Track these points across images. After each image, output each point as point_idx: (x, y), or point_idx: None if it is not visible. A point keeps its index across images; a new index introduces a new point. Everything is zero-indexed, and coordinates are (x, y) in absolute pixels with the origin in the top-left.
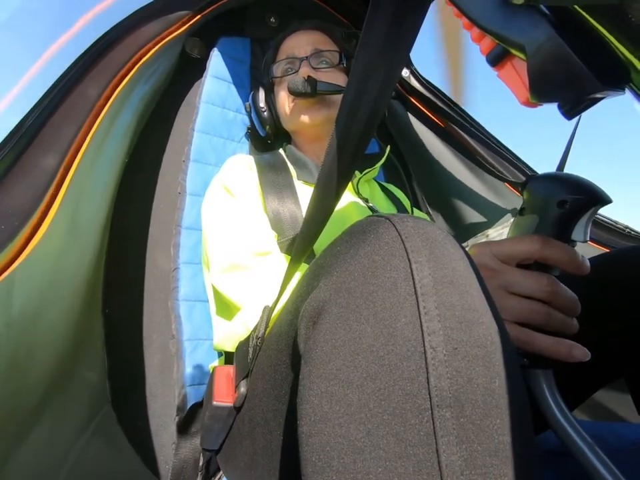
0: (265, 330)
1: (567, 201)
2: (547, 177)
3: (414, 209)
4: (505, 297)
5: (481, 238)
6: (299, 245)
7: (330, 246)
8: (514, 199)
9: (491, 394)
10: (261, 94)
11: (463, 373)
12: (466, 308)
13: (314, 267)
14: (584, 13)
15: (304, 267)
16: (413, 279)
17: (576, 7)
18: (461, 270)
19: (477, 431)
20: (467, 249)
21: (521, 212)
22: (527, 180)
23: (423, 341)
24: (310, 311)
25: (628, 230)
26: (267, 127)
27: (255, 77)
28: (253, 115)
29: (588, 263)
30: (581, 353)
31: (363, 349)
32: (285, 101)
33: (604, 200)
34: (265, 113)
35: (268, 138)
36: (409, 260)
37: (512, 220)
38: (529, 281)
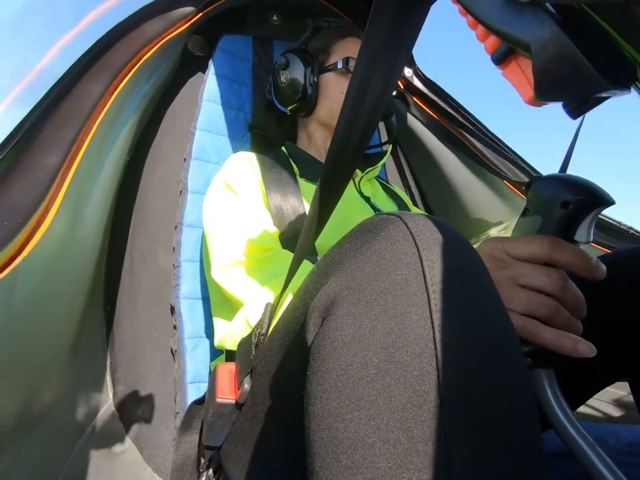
0: (269, 326)
1: (571, 202)
2: (551, 178)
3: (415, 207)
4: (515, 288)
5: (482, 238)
6: (301, 242)
7: (339, 243)
8: (516, 199)
9: (501, 392)
10: (307, 71)
11: (473, 371)
12: (476, 306)
13: (323, 263)
14: (590, 11)
15: (306, 264)
16: (425, 276)
17: (582, 5)
18: (471, 268)
19: (486, 428)
20: (476, 245)
21: (524, 213)
22: (531, 181)
23: (434, 338)
24: (319, 306)
25: (631, 231)
26: (295, 104)
27: (257, 75)
28: (273, 89)
29: (604, 267)
30: (586, 348)
31: (373, 345)
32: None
33: (607, 201)
34: (309, 89)
35: (275, 118)
36: (421, 258)
37: (514, 220)
38: (539, 273)
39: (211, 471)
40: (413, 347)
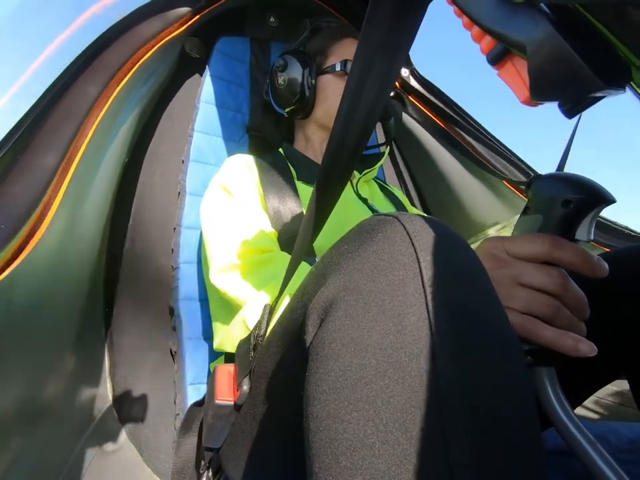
0: (267, 328)
1: (571, 201)
2: (552, 177)
3: (413, 208)
4: (515, 287)
5: (481, 237)
6: (299, 244)
7: (337, 244)
8: (513, 198)
9: (499, 392)
10: (305, 73)
11: (471, 372)
12: (474, 307)
13: (321, 264)
14: (584, 12)
15: (304, 266)
16: (422, 277)
17: (576, 5)
18: (469, 268)
19: (485, 428)
20: (475, 244)
21: (525, 211)
22: (532, 180)
23: (432, 340)
24: (317, 308)
25: (627, 230)
26: (293, 107)
27: (254, 76)
28: (271, 90)
29: (605, 265)
30: (587, 347)
31: (371, 346)
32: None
33: (608, 200)
34: (307, 91)
35: (273, 120)
36: (418, 259)
37: (512, 219)
38: (539, 272)
39: (210, 473)
40: (411, 348)
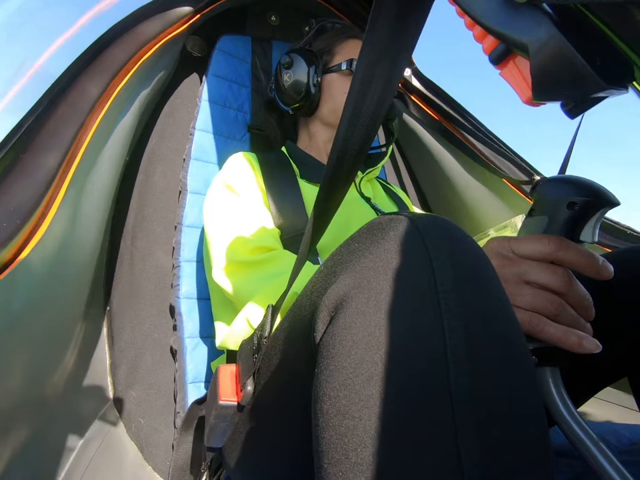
0: (271, 329)
1: (577, 203)
2: (557, 179)
3: (415, 207)
4: (520, 285)
5: (482, 237)
6: (304, 244)
7: (346, 242)
8: (515, 197)
9: (509, 390)
10: (311, 71)
11: (483, 370)
12: (485, 305)
13: (330, 263)
14: (587, 12)
15: (308, 265)
16: (434, 276)
17: (579, 5)
18: (480, 267)
19: (495, 426)
20: (480, 244)
21: (530, 213)
22: (537, 182)
23: (444, 338)
24: (328, 305)
25: (630, 231)
26: (297, 104)
27: (256, 75)
28: (276, 87)
29: (611, 268)
30: (592, 344)
31: (383, 344)
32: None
33: (612, 202)
34: (312, 89)
35: (275, 118)
36: (430, 257)
37: (513, 219)
38: (544, 270)
39: (211, 471)
40: (423, 346)
